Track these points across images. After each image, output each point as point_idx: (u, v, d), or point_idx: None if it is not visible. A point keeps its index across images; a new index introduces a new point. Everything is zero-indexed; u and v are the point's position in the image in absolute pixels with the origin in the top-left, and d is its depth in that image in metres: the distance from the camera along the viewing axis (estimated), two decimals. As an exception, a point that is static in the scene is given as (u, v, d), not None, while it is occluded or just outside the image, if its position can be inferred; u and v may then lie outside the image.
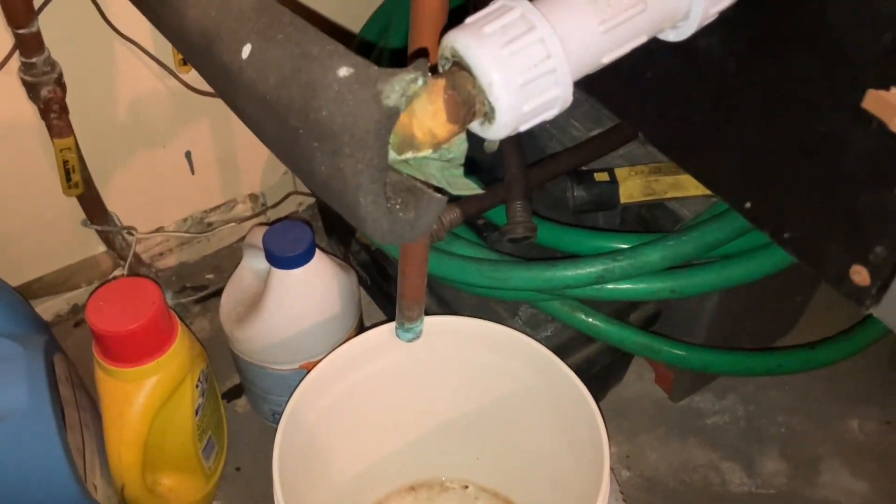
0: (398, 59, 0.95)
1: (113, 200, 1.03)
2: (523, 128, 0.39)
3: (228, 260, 1.19)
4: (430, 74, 0.36)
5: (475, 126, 0.39)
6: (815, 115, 0.43)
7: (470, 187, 0.38)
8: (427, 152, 0.37)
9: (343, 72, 0.37)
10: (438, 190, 0.39)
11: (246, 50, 0.41)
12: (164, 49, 0.95)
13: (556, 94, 0.38)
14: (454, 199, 0.88)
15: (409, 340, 0.79)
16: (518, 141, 0.88)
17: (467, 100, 0.37)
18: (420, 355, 0.81)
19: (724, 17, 0.42)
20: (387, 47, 0.97)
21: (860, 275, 0.45)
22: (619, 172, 0.87)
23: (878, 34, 0.39)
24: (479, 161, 0.93)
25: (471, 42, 0.37)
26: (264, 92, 0.40)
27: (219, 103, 1.03)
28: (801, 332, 1.06)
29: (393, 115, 0.35)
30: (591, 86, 0.59)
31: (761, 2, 0.43)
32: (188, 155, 1.08)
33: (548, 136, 0.97)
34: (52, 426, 0.75)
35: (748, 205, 0.50)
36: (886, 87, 0.39)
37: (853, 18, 0.40)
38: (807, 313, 1.07)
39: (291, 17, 0.41)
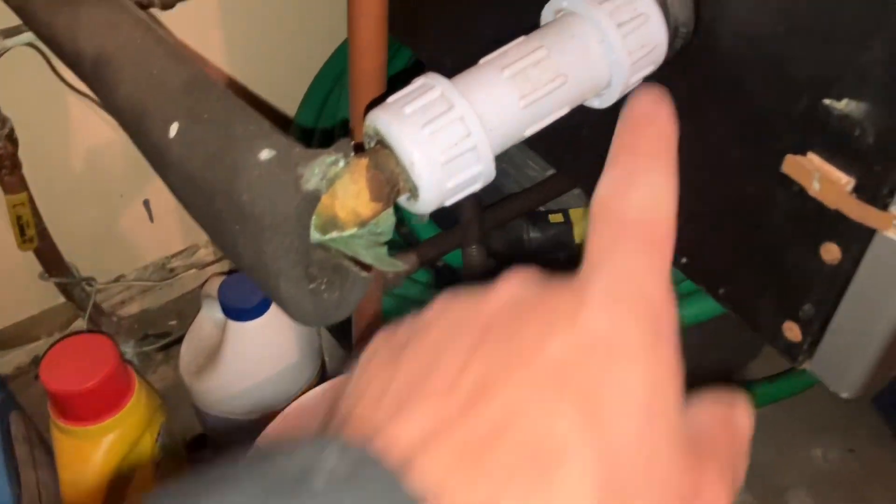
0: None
1: (71, 251, 1.03)
2: (449, 202, 0.39)
3: (191, 305, 1.18)
4: (352, 154, 0.36)
5: (402, 201, 0.39)
6: (739, 177, 0.44)
7: (395, 265, 0.39)
8: (352, 230, 0.38)
9: (264, 154, 0.37)
10: (366, 267, 0.39)
11: (173, 129, 0.42)
12: (119, 100, 0.95)
13: (479, 170, 0.38)
14: (411, 245, 0.88)
15: (367, 390, 0.79)
16: (473, 185, 0.89)
17: (391, 178, 0.37)
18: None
19: (650, 80, 0.43)
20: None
21: (792, 331, 0.45)
22: (574, 213, 0.88)
23: (792, 100, 0.40)
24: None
25: (391, 122, 0.37)
26: (191, 172, 0.40)
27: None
28: (767, 358, 1.07)
29: (313, 198, 0.36)
30: (532, 142, 0.60)
31: (682, 66, 0.44)
32: (146, 203, 1.07)
33: (504, 175, 0.97)
34: (5, 492, 0.74)
35: (684, 260, 0.51)
36: (803, 153, 0.40)
37: (769, 84, 0.41)
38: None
39: (220, 95, 0.42)
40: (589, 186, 0.57)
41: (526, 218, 0.88)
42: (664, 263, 0.27)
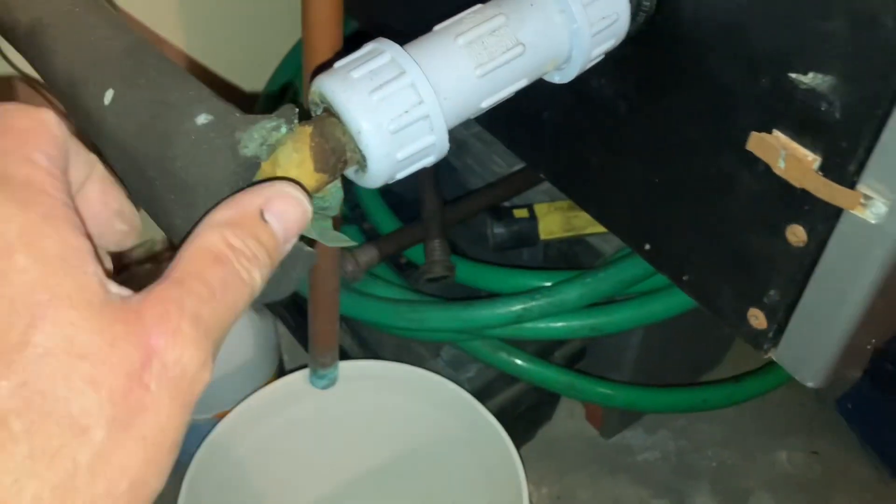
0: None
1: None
2: (400, 175, 0.37)
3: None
4: (296, 121, 0.34)
5: (350, 174, 0.37)
6: (703, 157, 0.43)
7: (342, 240, 0.36)
8: (295, 203, 0.35)
9: (201, 119, 0.35)
10: (310, 242, 0.36)
11: (108, 96, 0.39)
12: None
13: (431, 140, 0.36)
14: (372, 238, 0.85)
15: (324, 388, 0.76)
16: (435, 177, 0.87)
17: (337, 147, 0.35)
18: (336, 402, 0.78)
19: (612, 56, 0.41)
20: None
21: (757, 318, 0.44)
22: (539, 208, 0.86)
23: (756, 77, 0.38)
24: (402, 195, 0.92)
25: (337, 88, 0.35)
26: (124, 140, 0.38)
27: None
28: (733, 362, 1.06)
29: (251, 165, 0.33)
30: (491, 125, 0.58)
31: (645, 43, 0.43)
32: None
33: (469, 171, 0.96)
34: None
35: (647, 246, 0.49)
36: (769, 130, 0.39)
37: (732, 61, 0.39)
38: (736, 343, 1.07)
39: (158, 61, 0.39)
40: (551, 172, 0.56)
41: (490, 213, 0.86)
42: None
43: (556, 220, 0.85)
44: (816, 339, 0.42)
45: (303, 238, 0.36)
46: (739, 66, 0.39)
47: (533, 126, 0.52)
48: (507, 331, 0.78)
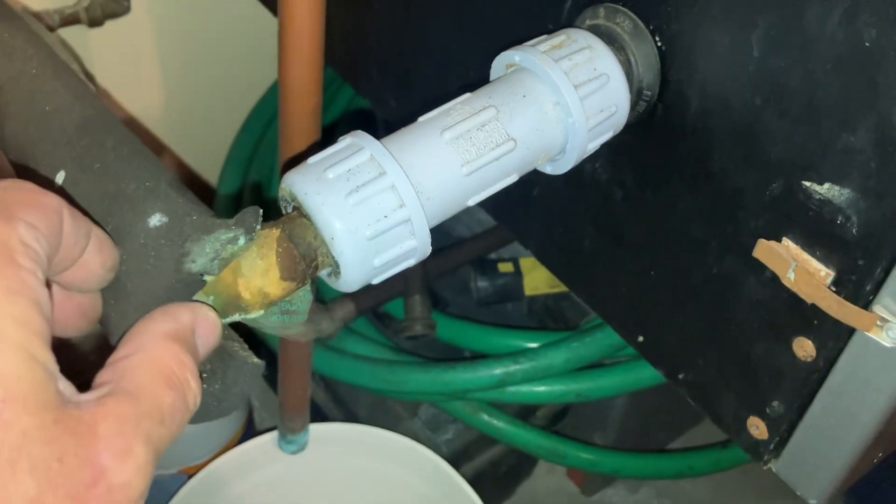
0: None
1: None
2: (377, 281, 0.34)
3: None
4: (257, 229, 0.31)
5: (323, 275, 0.34)
6: (705, 256, 0.40)
7: (307, 331, 0.33)
8: (258, 313, 0.32)
9: (154, 220, 0.31)
10: (256, 347, 0.33)
11: (60, 177, 0.36)
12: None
13: (412, 245, 0.33)
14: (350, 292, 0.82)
15: (293, 453, 0.72)
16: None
17: (307, 252, 0.32)
18: (306, 466, 0.74)
19: (609, 144, 0.38)
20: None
21: (758, 428, 0.41)
22: (524, 263, 0.83)
23: (766, 182, 0.35)
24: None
25: (310, 188, 0.31)
26: None
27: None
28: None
29: (193, 283, 0.30)
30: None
31: (644, 131, 0.40)
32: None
33: (454, 219, 0.92)
34: None
35: (641, 339, 0.46)
36: (778, 238, 0.36)
37: (741, 162, 0.36)
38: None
39: (116, 141, 0.36)
40: (538, 248, 0.53)
41: (474, 266, 0.83)
42: None
43: (541, 275, 0.82)
44: (822, 455, 0.39)
45: (248, 340, 0.33)
46: (748, 166, 0.36)
47: (522, 202, 0.49)
48: (488, 394, 0.75)
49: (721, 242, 0.39)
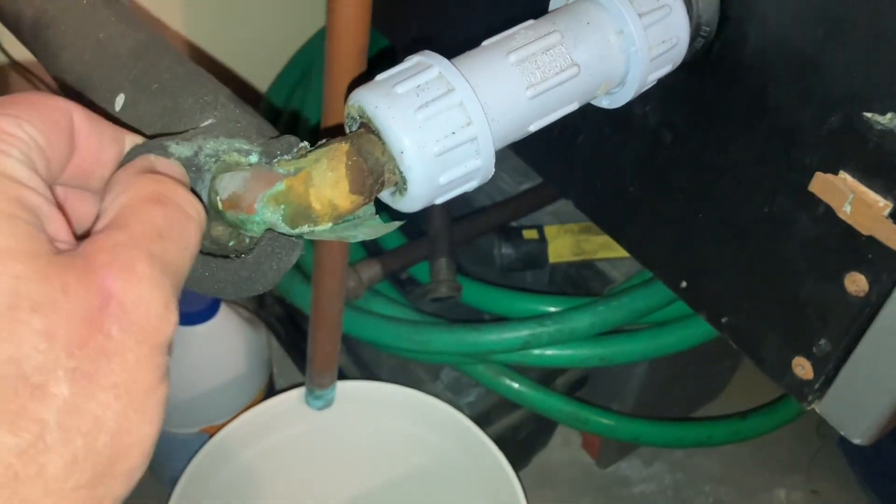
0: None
1: None
2: (440, 200, 0.34)
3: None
4: (279, 156, 0.31)
5: (385, 196, 0.34)
6: (756, 196, 0.40)
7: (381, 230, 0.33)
8: (325, 226, 0.32)
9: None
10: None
11: (119, 101, 0.36)
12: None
13: (477, 165, 0.33)
14: (374, 253, 0.82)
15: (320, 409, 0.73)
16: (444, 194, 0.84)
17: (375, 167, 0.32)
18: (332, 424, 0.75)
19: (662, 84, 0.39)
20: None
21: (803, 368, 0.41)
22: (549, 230, 0.83)
23: (824, 115, 0.36)
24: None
25: (380, 102, 0.32)
26: None
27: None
28: (729, 396, 1.04)
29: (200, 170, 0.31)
30: (518, 146, 0.55)
31: (701, 72, 0.40)
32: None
33: (476, 189, 0.93)
34: None
35: (684, 284, 0.46)
36: (835, 171, 0.36)
37: (798, 97, 0.37)
38: (735, 376, 1.05)
39: (171, 62, 0.36)
40: (582, 200, 0.53)
41: (498, 233, 0.83)
42: None
43: (566, 243, 0.82)
44: (868, 394, 0.40)
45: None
46: (807, 101, 0.37)
47: (565, 149, 0.50)
48: (512, 356, 0.75)
49: (774, 181, 0.39)
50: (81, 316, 0.20)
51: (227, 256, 0.32)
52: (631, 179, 0.47)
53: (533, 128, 0.36)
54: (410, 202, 0.33)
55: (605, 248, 0.82)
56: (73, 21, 0.41)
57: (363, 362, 0.86)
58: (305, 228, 0.32)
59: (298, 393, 0.73)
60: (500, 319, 0.79)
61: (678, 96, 0.42)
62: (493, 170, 0.34)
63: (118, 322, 0.21)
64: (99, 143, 0.27)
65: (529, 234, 0.83)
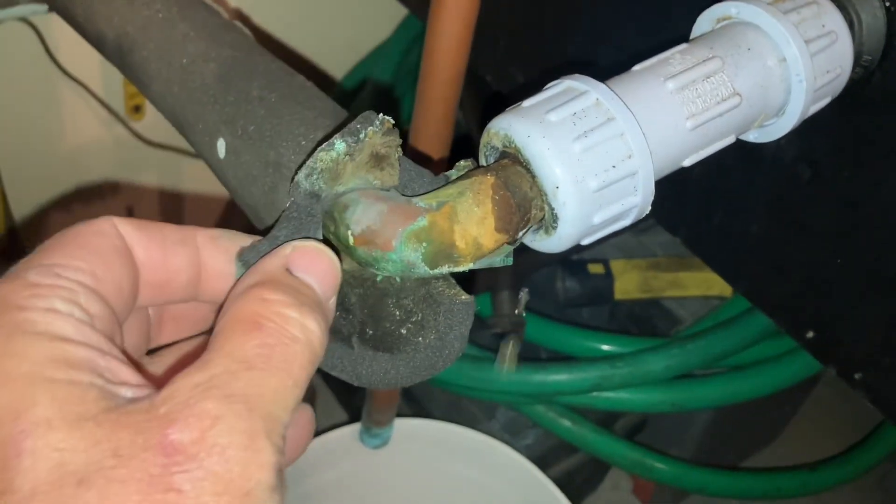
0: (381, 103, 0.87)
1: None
2: (587, 242, 0.30)
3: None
4: (363, 132, 0.27)
5: (527, 236, 0.30)
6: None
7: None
8: (467, 266, 0.29)
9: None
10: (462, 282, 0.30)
11: (220, 148, 0.33)
12: (115, 94, 0.85)
13: (635, 202, 0.30)
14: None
15: (376, 447, 0.69)
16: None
17: (522, 202, 0.29)
18: (385, 464, 0.71)
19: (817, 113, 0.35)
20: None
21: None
22: (615, 265, 0.80)
23: None
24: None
25: (533, 131, 0.28)
26: (246, 199, 0.33)
27: (170, 156, 0.93)
28: (782, 442, 1.00)
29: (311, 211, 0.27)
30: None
31: (854, 103, 0.36)
32: (130, 211, 0.97)
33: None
34: None
35: (810, 334, 0.43)
36: None
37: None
38: (793, 423, 1.00)
39: (261, 88, 0.33)
40: (690, 235, 0.49)
41: (562, 266, 0.80)
42: None
43: (633, 279, 0.78)
44: None
45: (458, 281, 0.29)
46: None
47: (674, 185, 0.46)
48: (579, 399, 0.71)
49: (937, 227, 0.35)
50: (139, 478, 0.18)
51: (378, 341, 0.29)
52: (756, 218, 0.43)
53: (687, 162, 0.32)
54: (557, 242, 0.30)
55: (673, 287, 0.78)
56: (154, 45, 0.38)
57: (414, 398, 0.82)
58: (445, 269, 0.28)
59: (352, 430, 0.69)
60: (558, 357, 0.75)
61: (822, 129, 0.39)
62: (650, 208, 0.31)
63: (188, 475, 0.18)
64: (162, 251, 0.24)
65: (595, 268, 0.79)
